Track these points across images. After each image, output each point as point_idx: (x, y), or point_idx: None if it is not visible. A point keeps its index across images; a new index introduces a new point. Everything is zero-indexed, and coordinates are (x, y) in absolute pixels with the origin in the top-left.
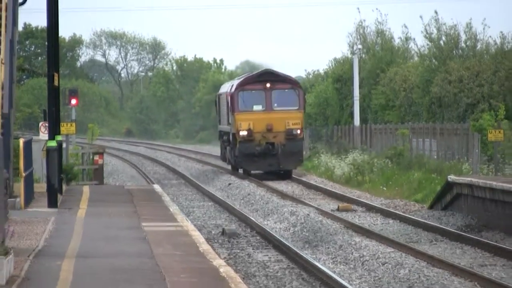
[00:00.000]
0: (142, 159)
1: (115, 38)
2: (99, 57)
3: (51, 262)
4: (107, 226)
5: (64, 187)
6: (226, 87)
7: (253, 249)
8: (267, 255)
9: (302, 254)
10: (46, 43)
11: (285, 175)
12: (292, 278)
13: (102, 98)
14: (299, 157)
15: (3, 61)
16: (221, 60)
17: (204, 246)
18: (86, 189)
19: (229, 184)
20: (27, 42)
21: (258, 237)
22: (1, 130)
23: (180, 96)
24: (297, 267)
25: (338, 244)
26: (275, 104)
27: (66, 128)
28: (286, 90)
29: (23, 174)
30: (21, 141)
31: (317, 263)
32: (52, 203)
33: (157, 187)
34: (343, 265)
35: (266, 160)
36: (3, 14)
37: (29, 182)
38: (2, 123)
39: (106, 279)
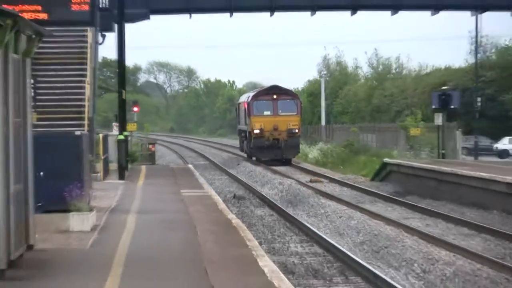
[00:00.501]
0: (180, 148)
1: (163, 66)
2: (152, 79)
3: (120, 216)
4: (157, 192)
5: (129, 166)
6: (244, 98)
7: (254, 207)
8: (263, 211)
9: (286, 210)
10: (117, 70)
11: (286, 162)
12: (279, 226)
13: (154, 106)
14: (297, 149)
15: (89, 82)
16: (233, 81)
17: (222, 206)
18: (143, 168)
19: (238, 164)
20: (104, 69)
21: (257, 200)
22: (88, 128)
23: (205, 105)
24: (283, 219)
25: (310, 204)
26: (280, 111)
27: (130, 126)
28: (288, 100)
29: (102, 157)
30: (101, 135)
31: (296, 216)
32: (121, 177)
33: (190, 166)
34: (314, 218)
35: (273, 151)
36: (89, 51)
37: (106, 163)
38: (88, 124)
39: (156, 227)
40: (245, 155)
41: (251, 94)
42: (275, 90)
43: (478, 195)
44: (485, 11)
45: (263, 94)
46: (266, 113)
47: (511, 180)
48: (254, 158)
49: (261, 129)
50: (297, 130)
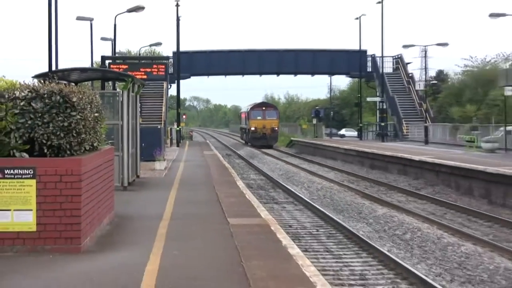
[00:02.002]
0: (204, 134)
1: (195, 98)
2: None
3: (177, 163)
4: (194, 152)
5: (181, 141)
6: (245, 108)
7: (235, 159)
8: (239, 160)
9: (249, 160)
10: (176, 100)
11: (270, 147)
12: (249, 169)
13: (192, 116)
14: (276, 140)
15: (164, 105)
16: (226, 105)
17: (221, 159)
18: (187, 142)
19: (232, 150)
20: (171, 100)
21: (236, 156)
22: (163, 125)
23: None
24: (248, 164)
25: (259, 158)
26: (267, 117)
27: (181, 124)
28: (271, 110)
29: (169, 137)
30: (169, 128)
31: (253, 163)
32: (177, 145)
33: (208, 142)
34: (260, 164)
35: (262, 140)
36: (164, 91)
37: (171, 139)
38: (163, 123)
39: (192, 167)
40: (243, 142)
41: (249, 107)
42: (264, 104)
43: (332, 154)
44: (334, 75)
45: (257, 106)
46: (258, 118)
47: (347, 147)
48: (249, 144)
49: (255, 128)
50: (276, 128)
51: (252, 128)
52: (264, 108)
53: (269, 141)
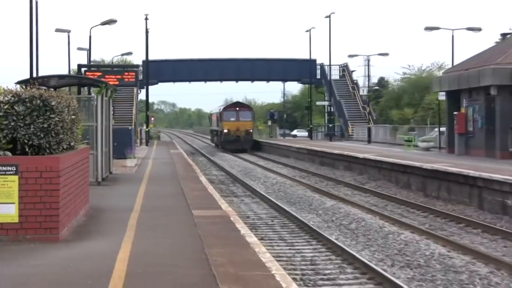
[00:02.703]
0: (172, 135)
1: (163, 103)
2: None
3: (146, 160)
4: (161, 151)
5: (149, 141)
6: (216, 109)
7: (198, 157)
8: (202, 158)
9: (210, 157)
10: (145, 103)
11: (244, 151)
12: (211, 166)
13: (159, 117)
14: (251, 143)
15: (134, 108)
16: (190, 108)
17: (186, 156)
18: (155, 141)
19: (195, 149)
20: (140, 104)
21: (199, 153)
22: (133, 126)
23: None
24: (210, 161)
25: (220, 155)
26: (241, 118)
27: (150, 125)
28: (246, 111)
29: (139, 137)
30: (139, 129)
31: (214, 160)
32: (147, 144)
33: (174, 141)
34: (221, 161)
35: (235, 144)
36: (134, 96)
37: (141, 139)
38: (134, 124)
39: (160, 164)
40: (213, 145)
41: (222, 107)
42: (238, 105)
43: (285, 152)
44: (287, 81)
45: (230, 107)
46: (232, 119)
47: (298, 146)
48: (221, 148)
49: (228, 130)
50: (251, 130)
51: (225, 131)
52: (238, 108)
53: (243, 145)
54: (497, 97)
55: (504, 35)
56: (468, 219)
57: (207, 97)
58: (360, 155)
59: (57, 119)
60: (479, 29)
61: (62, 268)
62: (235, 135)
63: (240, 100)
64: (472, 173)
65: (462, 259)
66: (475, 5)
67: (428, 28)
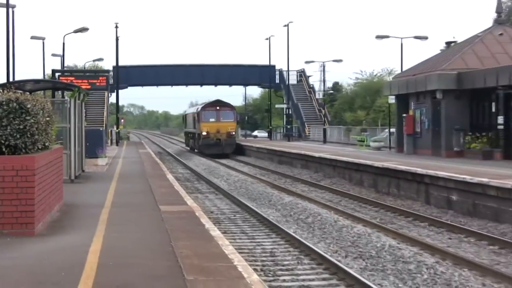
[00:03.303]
0: (139, 135)
1: (132, 105)
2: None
3: (117, 159)
4: (130, 150)
5: (119, 141)
6: (193, 109)
7: (165, 156)
8: (169, 157)
9: (177, 157)
10: (116, 106)
11: (226, 156)
12: (177, 164)
13: (129, 119)
14: (233, 146)
15: (105, 110)
16: (157, 111)
17: (153, 155)
18: (125, 141)
19: (162, 148)
20: (111, 107)
21: (166, 152)
22: (104, 127)
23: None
24: (176, 160)
25: (187, 156)
26: (221, 118)
27: (120, 127)
28: (227, 111)
29: (110, 138)
30: (110, 130)
31: (181, 160)
32: (117, 144)
33: (143, 141)
34: (188, 161)
35: (216, 148)
36: (105, 99)
37: (111, 139)
38: (105, 126)
39: (130, 163)
40: (188, 149)
41: (199, 106)
42: (218, 103)
43: (256, 153)
44: (248, 85)
45: (210, 106)
46: (211, 120)
47: (259, 146)
48: (198, 152)
49: (207, 132)
50: (233, 133)
51: (204, 133)
52: (218, 108)
53: (224, 149)
54: (442, 100)
55: (448, 43)
56: (416, 213)
57: (174, 100)
58: (316, 154)
59: (32, 121)
60: (426, 38)
61: (37, 260)
62: (215, 138)
63: None
64: (419, 170)
65: (411, 250)
66: (422, 15)
67: (379, 37)
